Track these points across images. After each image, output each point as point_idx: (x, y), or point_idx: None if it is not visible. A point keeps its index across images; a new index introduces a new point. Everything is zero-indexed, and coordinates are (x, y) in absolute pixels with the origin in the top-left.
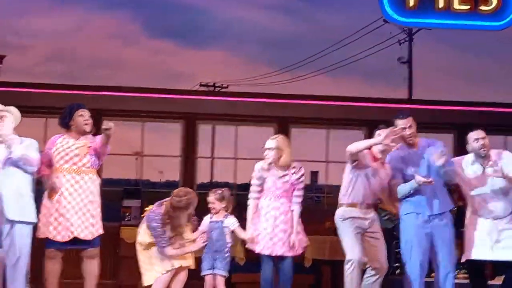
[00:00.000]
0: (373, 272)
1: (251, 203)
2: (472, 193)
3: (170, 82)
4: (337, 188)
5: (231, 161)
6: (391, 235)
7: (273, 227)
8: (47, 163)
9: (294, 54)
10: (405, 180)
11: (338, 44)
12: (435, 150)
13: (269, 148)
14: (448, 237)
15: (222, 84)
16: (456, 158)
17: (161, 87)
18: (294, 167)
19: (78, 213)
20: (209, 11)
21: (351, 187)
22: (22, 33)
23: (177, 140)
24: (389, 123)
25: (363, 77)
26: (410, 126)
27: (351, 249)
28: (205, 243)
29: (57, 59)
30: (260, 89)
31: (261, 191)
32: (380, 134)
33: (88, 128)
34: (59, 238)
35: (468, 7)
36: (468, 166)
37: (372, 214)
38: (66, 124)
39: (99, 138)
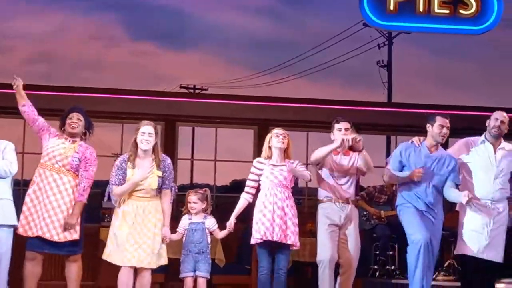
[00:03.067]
0: (340, 271)
1: (241, 199)
2: (477, 176)
3: (151, 84)
4: (316, 191)
5: (210, 163)
6: (370, 237)
7: (271, 213)
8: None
9: (275, 57)
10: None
11: (318, 47)
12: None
13: (283, 134)
14: (437, 241)
15: (202, 86)
16: (461, 141)
17: (142, 89)
18: (290, 160)
19: (50, 211)
20: (191, 14)
21: (322, 182)
22: (3, 34)
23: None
24: (368, 126)
25: (343, 80)
26: (447, 127)
27: (322, 249)
28: (179, 237)
29: (39, 61)
30: (240, 92)
31: (255, 188)
32: (340, 129)
33: (73, 129)
34: (29, 234)
35: (448, 11)
36: (477, 145)
37: (349, 210)
38: (61, 127)
39: (86, 160)
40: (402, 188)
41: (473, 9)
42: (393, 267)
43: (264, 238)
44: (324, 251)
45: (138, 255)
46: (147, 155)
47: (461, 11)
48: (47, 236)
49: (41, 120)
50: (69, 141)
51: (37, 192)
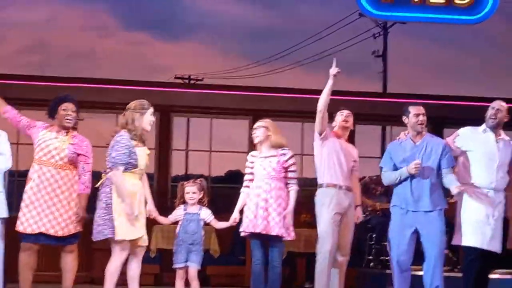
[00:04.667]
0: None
1: (242, 194)
2: (480, 165)
3: (146, 74)
4: (312, 181)
5: (205, 153)
6: (365, 228)
7: (255, 206)
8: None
9: (270, 47)
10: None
11: (314, 37)
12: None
13: (256, 128)
14: (435, 232)
15: (197, 77)
16: (464, 128)
17: (137, 79)
18: (283, 149)
19: (51, 208)
20: (185, 4)
21: (325, 165)
22: None
23: (152, 132)
24: (363, 116)
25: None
26: (423, 114)
27: (324, 240)
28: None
29: (33, 51)
30: (236, 82)
31: (252, 181)
32: (342, 114)
33: (69, 124)
34: (29, 231)
35: (443, 0)
36: (479, 134)
37: (351, 198)
38: (51, 117)
39: (83, 153)
40: (395, 188)
41: None
42: (387, 258)
43: (247, 231)
44: (327, 241)
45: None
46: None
47: (456, 1)
48: (51, 232)
49: (24, 119)
50: (62, 133)
51: (34, 188)
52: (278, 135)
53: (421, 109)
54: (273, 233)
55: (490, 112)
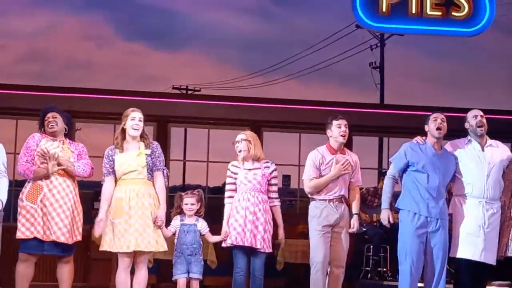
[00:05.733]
0: (329, 269)
1: (226, 205)
2: (469, 175)
3: (143, 85)
4: None
5: (203, 164)
6: (363, 239)
7: (243, 218)
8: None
9: (267, 58)
10: (405, 171)
11: (310, 49)
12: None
13: (238, 141)
14: (442, 242)
15: (194, 87)
16: (449, 143)
17: (134, 90)
18: (266, 162)
19: (61, 215)
20: (183, 14)
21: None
22: None
23: None
24: (360, 128)
25: (335, 82)
26: (442, 119)
27: (315, 251)
28: (170, 232)
29: (31, 60)
30: (233, 93)
31: (235, 190)
32: (340, 125)
33: (52, 129)
34: (44, 237)
35: (440, 13)
36: (464, 145)
37: (342, 210)
38: (41, 129)
39: (80, 152)
40: (405, 189)
41: (465, 11)
42: (385, 269)
43: (235, 243)
44: (317, 254)
45: (143, 239)
46: (134, 140)
47: (453, 13)
48: (62, 239)
49: (32, 165)
50: (59, 141)
51: (44, 199)
52: (258, 147)
53: (440, 115)
54: (259, 246)
55: (474, 121)
